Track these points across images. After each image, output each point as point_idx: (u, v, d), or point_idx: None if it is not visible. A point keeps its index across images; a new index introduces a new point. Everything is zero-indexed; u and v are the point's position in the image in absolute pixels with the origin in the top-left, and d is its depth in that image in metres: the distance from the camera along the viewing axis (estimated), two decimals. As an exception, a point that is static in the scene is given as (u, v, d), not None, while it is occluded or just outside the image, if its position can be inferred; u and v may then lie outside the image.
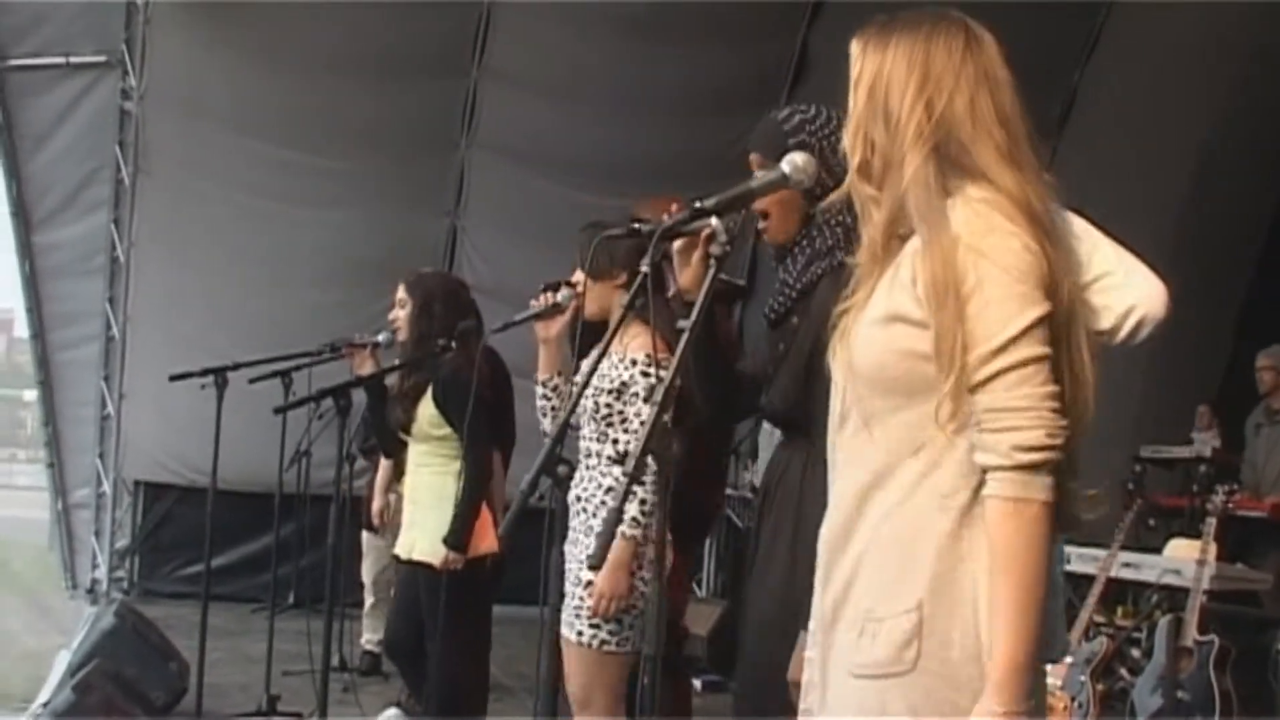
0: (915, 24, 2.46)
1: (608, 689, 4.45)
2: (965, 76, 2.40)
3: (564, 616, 4.46)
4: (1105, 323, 2.49)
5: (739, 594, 3.64)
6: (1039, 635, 2.24)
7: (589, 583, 4.41)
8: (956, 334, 2.27)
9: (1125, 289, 2.49)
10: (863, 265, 2.48)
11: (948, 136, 2.37)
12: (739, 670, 3.60)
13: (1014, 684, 2.21)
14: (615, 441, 4.48)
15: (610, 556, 4.32)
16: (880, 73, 2.43)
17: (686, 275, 3.13)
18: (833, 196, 2.75)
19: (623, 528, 4.34)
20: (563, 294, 4.62)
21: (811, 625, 2.55)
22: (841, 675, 2.40)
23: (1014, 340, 2.24)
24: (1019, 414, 2.23)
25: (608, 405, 4.46)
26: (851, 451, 2.44)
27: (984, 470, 2.26)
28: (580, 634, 4.42)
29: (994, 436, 2.24)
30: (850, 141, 2.49)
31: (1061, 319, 2.30)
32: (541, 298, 4.68)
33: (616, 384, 4.43)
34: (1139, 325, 2.49)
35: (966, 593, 2.29)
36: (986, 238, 2.28)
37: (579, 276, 4.69)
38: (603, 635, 4.41)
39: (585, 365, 4.56)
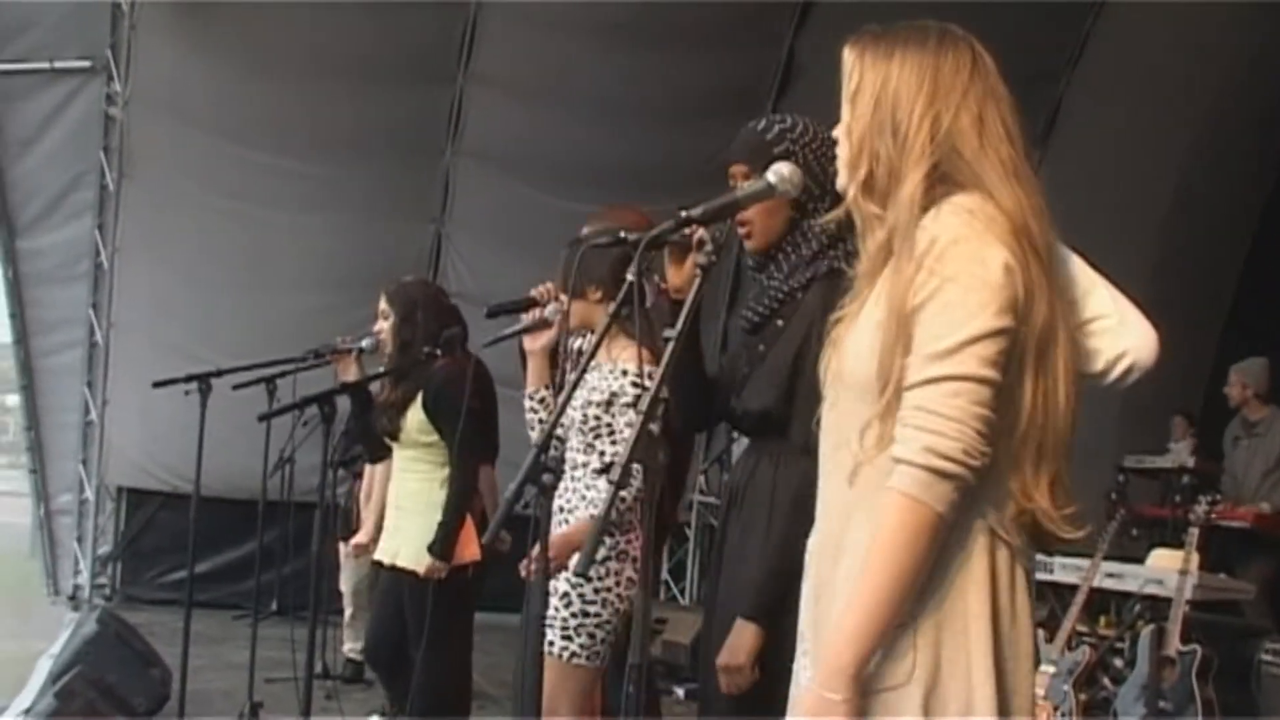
0: (921, 36, 2.44)
1: (572, 700, 4.43)
2: (974, 92, 2.40)
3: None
4: (1096, 366, 2.49)
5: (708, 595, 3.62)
6: (877, 645, 2.25)
7: (564, 594, 4.41)
8: (895, 357, 2.28)
9: (1119, 334, 2.49)
10: (860, 278, 2.48)
11: (952, 151, 2.37)
12: (704, 669, 3.57)
13: (834, 680, 2.23)
14: (602, 454, 4.47)
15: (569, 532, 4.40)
16: (887, 84, 2.41)
17: (678, 276, 3.14)
18: (830, 216, 2.74)
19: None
20: (550, 309, 4.62)
21: (801, 628, 2.55)
22: None
23: (961, 346, 2.23)
24: (945, 421, 2.22)
25: (596, 417, 4.45)
26: (838, 464, 2.43)
27: (895, 461, 2.25)
28: (551, 644, 4.41)
29: (913, 432, 2.24)
30: (853, 155, 2.46)
31: (1034, 340, 2.30)
32: (529, 314, 4.68)
33: (606, 395, 4.42)
34: (1129, 371, 2.49)
35: (957, 605, 2.30)
36: (956, 245, 2.28)
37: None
38: (573, 648, 4.40)
39: (570, 377, 4.55)
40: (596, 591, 4.41)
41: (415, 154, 10.75)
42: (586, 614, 4.41)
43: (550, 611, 4.42)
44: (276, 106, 10.15)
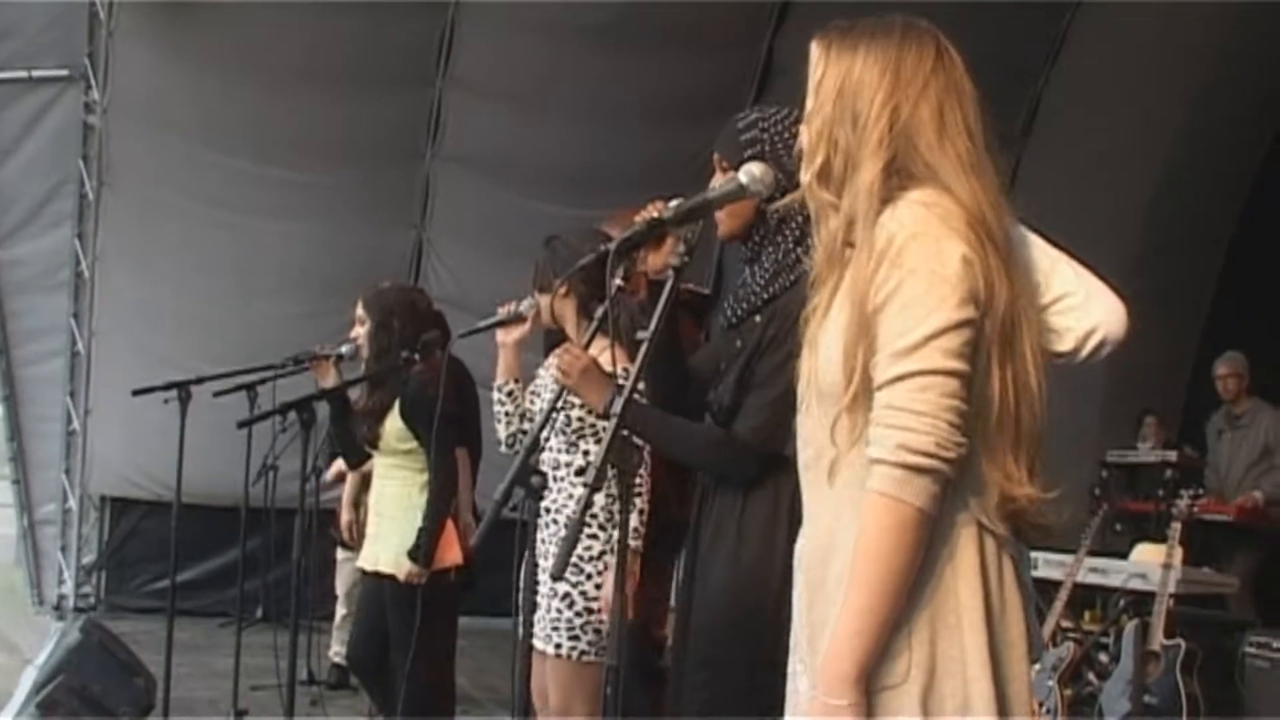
0: (886, 30, 2.46)
1: (587, 698, 4.47)
2: (934, 85, 2.41)
3: (538, 630, 4.48)
4: (1067, 344, 2.50)
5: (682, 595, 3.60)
6: (875, 647, 2.25)
7: (565, 594, 4.42)
8: (859, 353, 2.29)
9: (1086, 310, 2.50)
10: (819, 271, 2.49)
11: (909, 143, 2.38)
12: (676, 669, 3.53)
13: (836, 686, 2.23)
14: (586, 453, 4.50)
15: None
16: (850, 75, 2.43)
17: (659, 258, 3.15)
18: (787, 200, 2.74)
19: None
20: (525, 303, 4.69)
21: (795, 633, 2.54)
22: None
23: (924, 341, 2.24)
24: (915, 417, 2.23)
25: (579, 419, 4.48)
26: (820, 469, 2.43)
27: (871, 462, 2.26)
28: (559, 646, 4.45)
29: (885, 431, 2.25)
30: (812, 144, 2.48)
31: (998, 329, 2.31)
32: (505, 306, 4.75)
33: None
34: (1100, 346, 2.50)
35: (948, 600, 2.30)
36: (914, 240, 2.28)
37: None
38: (581, 646, 4.45)
39: (551, 380, 4.56)
40: (598, 588, 4.43)
41: (395, 159, 10.73)
42: (590, 610, 4.43)
43: (554, 615, 4.44)
44: (255, 112, 10.12)
